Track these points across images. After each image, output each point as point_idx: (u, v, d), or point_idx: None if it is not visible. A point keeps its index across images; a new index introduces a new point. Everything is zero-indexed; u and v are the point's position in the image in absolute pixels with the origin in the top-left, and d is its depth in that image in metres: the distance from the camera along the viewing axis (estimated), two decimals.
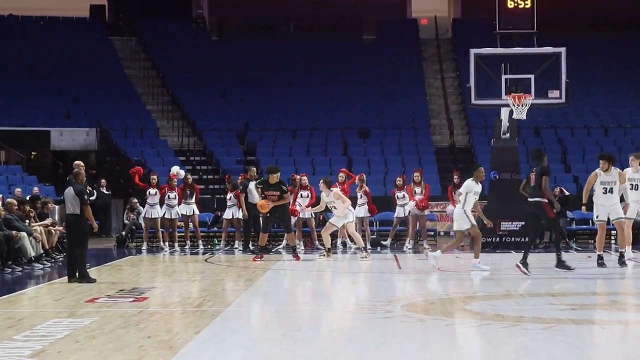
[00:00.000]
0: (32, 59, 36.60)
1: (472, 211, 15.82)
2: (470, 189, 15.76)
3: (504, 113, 21.40)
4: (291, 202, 20.44)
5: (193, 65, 37.03)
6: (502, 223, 20.86)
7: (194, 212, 22.35)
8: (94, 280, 14.24)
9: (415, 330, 9.55)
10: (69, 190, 14.47)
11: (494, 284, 14.04)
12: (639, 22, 39.56)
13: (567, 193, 22.77)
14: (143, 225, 22.77)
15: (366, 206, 21.83)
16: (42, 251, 17.95)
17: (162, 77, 36.48)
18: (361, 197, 21.86)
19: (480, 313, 10.78)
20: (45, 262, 17.84)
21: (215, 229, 24.00)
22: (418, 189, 21.79)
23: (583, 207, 16.70)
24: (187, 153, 31.54)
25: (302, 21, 41.22)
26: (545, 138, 31.55)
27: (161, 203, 22.03)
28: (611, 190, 16.10)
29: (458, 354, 8.22)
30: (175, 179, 22.18)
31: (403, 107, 34.43)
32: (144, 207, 22.66)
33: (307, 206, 20.72)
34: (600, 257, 15.87)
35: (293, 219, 20.67)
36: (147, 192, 22.08)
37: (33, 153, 33.89)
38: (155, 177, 22.32)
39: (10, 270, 16.51)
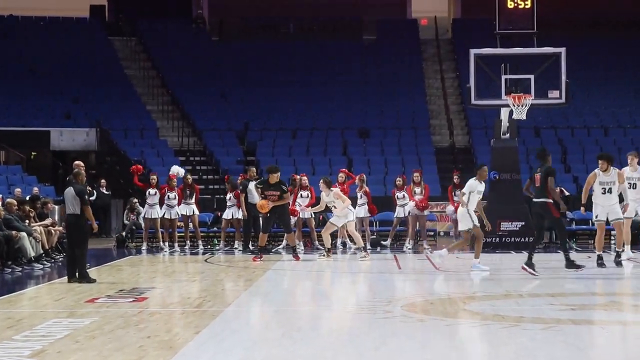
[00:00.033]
0: (32, 59, 36.60)
1: (474, 211, 15.81)
2: (474, 188, 15.77)
3: (504, 113, 21.40)
4: (291, 203, 20.44)
5: (193, 65, 37.03)
6: (502, 223, 20.85)
7: (193, 212, 22.35)
8: (93, 281, 14.24)
9: (415, 330, 9.55)
10: (69, 191, 14.47)
11: (494, 284, 14.04)
12: (639, 22, 39.57)
13: (567, 193, 22.75)
14: (143, 225, 22.77)
15: (366, 206, 21.83)
16: (42, 251, 17.95)
17: (162, 77, 36.48)
18: (361, 197, 21.86)
19: (480, 313, 10.79)
20: (45, 262, 17.84)
21: (215, 229, 23.99)
22: (418, 189, 21.79)
23: (582, 208, 16.71)
24: (187, 153, 31.54)
25: (302, 21, 41.22)
26: (545, 138, 31.55)
27: (161, 203, 22.04)
28: (610, 191, 16.13)
29: (458, 354, 8.22)
30: (175, 179, 22.18)
31: (403, 107, 34.43)
32: (143, 207, 22.66)
33: (307, 206, 20.73)
34: (599, 257, 15.87)
35: (293, 219, 20.67)
36: (147, 192, 22.09)
37: (33, 153, 33.90)
38: (154, 177, 22.32)
39: (10, 270, 16.51)
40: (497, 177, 21.40)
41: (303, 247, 21.42)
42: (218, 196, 26.47)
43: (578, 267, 15.04)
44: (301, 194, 21.37)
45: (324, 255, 18.84)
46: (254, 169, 22.96)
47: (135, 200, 24.37)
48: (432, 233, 24.11)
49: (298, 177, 21.89)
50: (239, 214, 21.68)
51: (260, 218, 19.53)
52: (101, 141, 32.00)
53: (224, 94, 35.60)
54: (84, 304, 11.65)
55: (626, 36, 38.65)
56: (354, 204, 20.23)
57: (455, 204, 22.16)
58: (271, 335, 9.46)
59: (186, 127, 33.19)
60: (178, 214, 22.15)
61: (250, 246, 20.94)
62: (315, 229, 21.73)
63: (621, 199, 16.68)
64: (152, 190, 22.04)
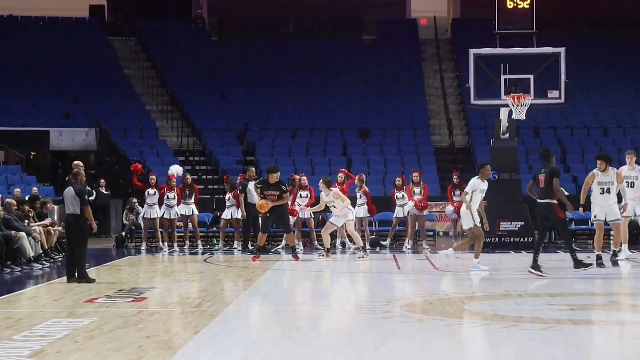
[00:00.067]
0: (32, 59, 36.61)
1: (477, 211, 15.80)
2: (477, 187, 15.77)
3: (504, 113, 21.40)
4: (290, 203, 20.45)
5: (193, 65, 37.03)
6: (501, 223, 20.86)
7: (193, 212, 22.35)
8: (93, 281, 14.24)
9: (414, 330, 9.55)
10: (69, 191, 14.47)
11: (494, 285, 14.04)
12: (638, 22, 39.57)
13: (566, 193, 22.74)
14: (142, 225, 22.77)
15: (366, 206, 21.83)
16: (41, 251, 17.95)
17: (161, 78, 36.48)
18: (361, 197, 21.86)
19: (479, 313, 10.79)
20: (45, 262, 17.84)
21: (214, 229, 23.98)
22: (417, 190, 21.79)
23: (580, 208, 16.72)
24: (186, 153, 31.54)
25: (302, 21, 41.22)
26: (544, 138, 31.56)
27: (160, 203, 22.04)
28: (609, 191, 16.15)
29: (457, 355, 8.22)
30: (174, 179, 22.18)
31: (403, 108, 34.44)
32: (143, 207, 22.65)
33: (307, 206, 20.73)
34: (599, 258, 15.87)
35: (292, 220, 20.67)
36: (146, 192, 22.09)
37: (32, 153, 33.90)
38: (154, 177, 22.33)
39: (9, 270, 16.51)
40: (497, 178, 21.40)
41: (302, 248, 21.42)
42: (218, 196, 26.47)
43: (587, 265, 15.02)
44: (300, 194, 21.37)
45: (323, 256, 18.84)
46: (254, 169, 22.94)
47: (135, 200, 24.37)
48: (431, 233, 24.11)
49: (298, 177, 21.89)
50: (239, 214, 21.67)
51: (260, 218, 19.52)
52: (101, 141, 32.00)
53: (223, 94, 35.60)
54: (83, 304, 11.65)
55: (626, 36, 38.66)
56: (354, 204, 20.23)
57: (455, 204, 22.19)
58: (271, 335, 9.46)
59: (186, 127, 33.19)
60: (177, 214, 22.15)
61: (249, 246, 20.94)
62: (315, 229, 21.73)
63: (620, 198, 16.70)
64: (151, 191, 22.04)
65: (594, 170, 16.39)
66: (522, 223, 21.14)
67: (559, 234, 21.16)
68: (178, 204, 22.11)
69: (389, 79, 36.53)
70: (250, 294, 13.17)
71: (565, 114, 32.32)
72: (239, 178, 22.26)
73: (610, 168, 16.30)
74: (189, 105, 34.41)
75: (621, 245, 16.81)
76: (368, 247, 20.82)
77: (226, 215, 22.17)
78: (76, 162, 17.44)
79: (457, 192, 22.25)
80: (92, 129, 32.31)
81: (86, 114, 33.23)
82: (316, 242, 21.49)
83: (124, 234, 24.07)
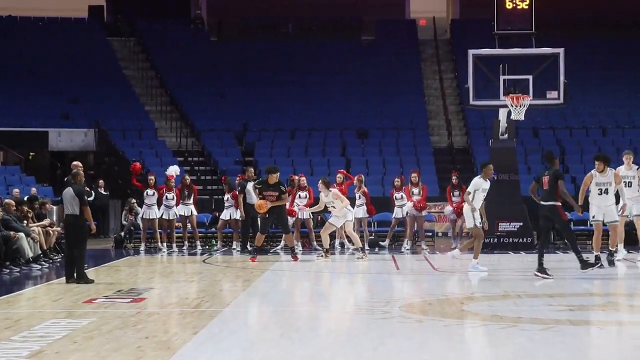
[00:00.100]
0: (31, 59, 36.60)
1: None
2: (479, 186, 15.78)
3: (502, 114, 21.41)
4: (289, 203, 20.45)
5: (192, 65, 37.01)
6: (500, 224, 20.85)
7: (192, 212, 22.35)
8: (91, 281, 14.24)
9: (413, 330, 9.55)
10: (68, 191, 14.47)
11: (492, 285, 14.04)
12: (637, 22, 39.58)
13: None
14: (141, 225, 22.77)
15: (365, 207, 21.84)
16: (40, 252, 17.94)
17: (160, 78, 36.46)
18: (359, 197, 21.87)
19: (478, 314, 10.79)
20: (43, 262, 17.84)
21: (213, 229, 23.97)
22: (416, 190, 21.79)
23: (579, 209, 16.72)
24: (185, 153, 31.52)
25: (301, 21, 41.22)
26: (543, 139, 31.57)
27: (159, 204, 22.04)
28: (606, 191, 16.18)
29: (456, 355, 8.22)
30: (173, 179, 22.19)
31: (401, 108, 34.43)
32: (141, 207, 22.64)
33: (305, 206, 20.73)
34: (597, 258, 15.87)
35: (291, 220, 20.68)
36: (145, 192, 22.09)
37: (31, 153, 33.88)
38: (152, 177, 22.33)
39: (8, 270, 16.50)
40: (496, 178, 21.40)
41: (301, 248, 21.42)
42: (216, 197, 26.47)
43: (593, 265, 14.99)
44: (299, 195, 21.37)
45: (322, 256, 18.84)
46: (252, 169, 22.97)
47: (134, 200, 24.36)
48: (430, 234, 24.11)
49: (296, 177, 21.89)
50: (237, 215, 21.69)
51: (259, 218, 19.53)
52: (99, 141, 31.99)
53: (222, 94, 35.59)
54: (82, 304, 11.65)
55: (624, 36, 38.67)
56: (353, 205, 20.24)
57: (454, 205, 22.20)
58: (269, 335, 9.46)
59: (185, 128, 33.18)
60: (176, 215, 22.15)
61: (248, 247, 20.93)
62: (314, 230, 21.74)
63: (618, 199, 16.72)
64: (150, 191, 22.04)
65: (592, 171, 16.43)
66: (521, 223, 21.14)
67: (559, 234, 21.18)
68: (177, 205, 22.12)
69: (387, 79, 36.52)
70: (248, 294, 13.17)
71: (564, 114, 32.32)
72: (238, 178, 22.27)
73: (608, 169, 16.35)
74: (187, 105, 34.40)
75: (617, 246, 16.83)
76: (367, 247, 20.84)
77: (224, 215, 22.18)
78: (75, 163, 17.45)
79: (456, 193, 22.26)
80: (91, 129, 32.30)
81: (85, 114, 33.21)
82: (315, 243, 21.50)
83: (122, 234, 24.07)
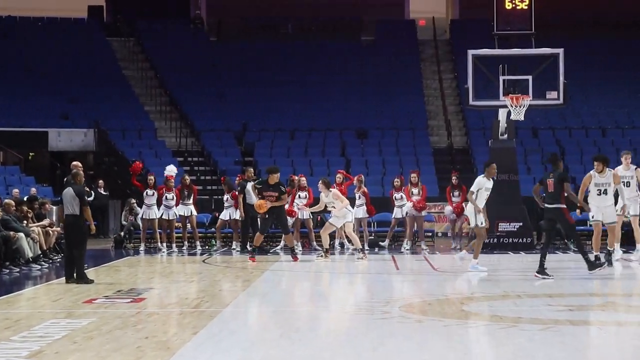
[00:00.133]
0: (30, 59, 36.59)
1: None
2: (482, 185, 15.79)
3: (502, 114, 21.41)
4: (289, 203, 20.45)
5: (191, 65, 37.01)
6: (499, 224, 20.85)
7: (191, 213, 22.35)
8: (91, 281, 14.23)
9: (412, 331, 9.55)
10: (68, 191, 14.46)
11: (492, 285, 14.05)
12: (637, 22, 39.58)
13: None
14: (141, 226, 22.77)
15: (364, 207, 21.84)
16: (39, 252, 17.94)
17: (160, 78, 36.47)
18: (359, 197, 21.87)
19: (478, 314, 10.79)
20: (43, 262, 17.84)
21: (213, 229, 23.97)
22: (415, 190, 21.79)
23: (577, 210, 16.73)
24: (185, 154, 31.52)
25: (301, 21, 41.22)
26: (542, 139, 31.58)
27: (159, 204, 22.04)
28: (605, 192, 16.21)
29: (456, 355, 8.22)
30: (173, 180, 22.19)
31: (401, 108, 34.43)
32: (141, 207, 22.64)
33: (305, 205, 20.74)
34: (597, 258, 15.87)
35: (291, 220, 20.68)
36: (145, 192, 22.08)
37: (31, 154, 33.87)
38: (152, 177, 22.33)
39: (7, 271, 16.50)
40: (495, 178, 21.39)
41: (301, 248, 21.42)
42: (216, 197, 26.47)
43: (601, 265, 14.97)
44: (299, 195, 21.38)
45: (322, 256, 18.84)
46: (252, 169, 22.97)
47: (133, 200, 24.35)
48: (429, 234, 24.11)
49: (296, 177, 21.90)
50: (237, 215, 21.70)
51: (259, 219, 19.53)
52: (99, 142, 31.99)
53: (222, 94, 35.58)
54: (81, 304, 11.65)
55: (624, 36, 38.67)
56: (352, 205, 20.24)
57: (454, 205, 22.21)
58: (269, 336, 9.47)
59: (184, 128, 33.18)
60: (176, 215, 22.16)
61: (248, 247, 20.94)
62: (313, 230, 21.74)
63: (616, 199, 16.75)
64: (149, 191, 22.04)
65: (591, 172, 16.46)
66: (521, 224, 21.14)
67: (559, 235, 21.18)
68: (176, 205, 22.12)
69: (387, 79, 36.52)
70: (248, 294, 13.17)
71: (564, 114, 32.33)
72: (237, 179, 22.27)
73: (607, 169, 16.37)
74: (187, 105, 34.40)
75: (615, 245, 16.86)
76: (366, 247, 20.85)
77: (224, 215, 22.19)
78: (74, 163, 17.44)
79: (456, 193, 22.27)
80: (91, 130, 32.30)
81: (84, 115, 33.21)
82: (315, 243, 21.50)
83: (122, 234, 24.06)
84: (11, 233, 16.93)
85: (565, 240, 21.58)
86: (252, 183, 20.74)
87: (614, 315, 10.87)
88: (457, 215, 22.33)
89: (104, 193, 27.62)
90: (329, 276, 16.72)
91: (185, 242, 22.60)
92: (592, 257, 15.66)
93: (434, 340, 8.87)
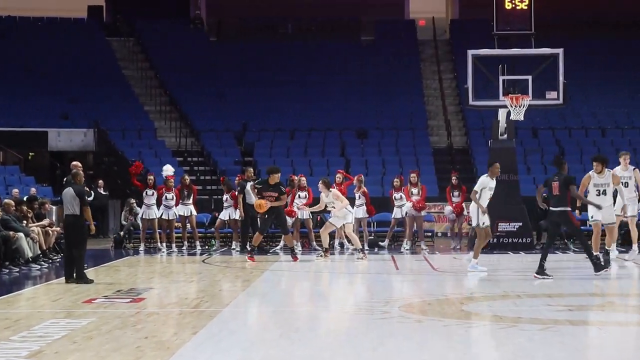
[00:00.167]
0: (30, 59, 36.58)
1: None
2: (485, 185, 15.79)
3: (502, 114, 21.41)
4: (289, 203, 20.45)
5: (191, 65, 37.01)
6: (499, 224, 20.85)
7: (191, 212, 22.35)
8: (91, 281, 14.23)
9: (412, 331, 9.55)
10: (68, 191, 14.46)
11: (492, 285, 14.05)
12: (637, 22, 39.58)
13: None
14: (140, 226, 22.77)
15: (364, 207, 21.84)
16: (39, 252, 17.94)
17: (159, 78, 36.46)
18: (359, 197, 21.87)
19: (477, 314, 10.80)
20: (43, 262, 17.84)
21: (212, 229, 23.97)
22: (415, 190, 21.79)
23: (576, 210, 16.74)
24: (184, 154, 31.51)
25: (301, 21, 41.21)
26: (542, 139, 31.57)
27: (158, 204, 22.05)
28: (604, 192, 16.22)
29: (455, 355, 8.22)
30: (172, 179, 22.20)
31: (401, 108, 34.43)
32: (141, 207, 22.64)
33: (305, 205, 20.74)
34: (596, 258, 15.86)
35: (290, 220, 20.68)
36: (144, 192, 22.08)
37: (30, 154, 33.86)
38: (152, 177, 22.33)
39: (7, 270, 16.50)
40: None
41: (301, 248, 21.42)
42: (216, 197, 26.46)
43: (606, 267, 14.95)
44: (299, 195, 21.38)
45: (321, 256, 18.85)
46: (252, 169, 22.97)
47: (133, 200, 24.35)
48: (429, 234, 24.11)
49: (296, 177, 21.90)
50: (236, 215, 21.70)
51: (259, 218, 19.52)
52: (99, 141, 31.99)
53: (221, 94, 35.58)
54: (81, 304, 11.65)
55: (624, 36, 38.66)
56: (352, 205, 20.24)
57: (454, 205, 22.21)
58: (269, 335, 9.47)
59: (184, 128, 33.17)
60: (176, 215, 22.16)
61: (247, 247, 20.94)
62: (313, 230, 21.74)
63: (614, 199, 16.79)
64: (149, 191, 22.04)
65: (590, 172, 16.46)
66: (520, 224, 21.13)
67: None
68: (176, 205, 22.12)
69: (387, 79, 36.51)
70: (248, 294, 13.18)
71: (563, 114, 32.32)
72: (237, 179, 22.27)
73: (606, 169, 16.38)
74: (187, 105, 34.40)
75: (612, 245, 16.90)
76: (366, 247, 20.85)
77: (223, 215, 22.20)
78: (74, 163, 17.44)
79: (456, 193, 22.28)
80: (90, 129, 32.30)
81: (84, 114, 33.20)
82: (314, 243, 21.50)
83: (122, 234, 24.06)
84: (11, 233, 16.93)
85: (565, 241, 21.59)
86: (251, 183, 20.73)
87: (613, 315, 10.87)
88: (456, 215, 22.35)
89: (104, 193, 27.62)
90: (329, 276, 16.72)
91: (185, 242, 22.60)
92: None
93: (434, 340, 8.87)
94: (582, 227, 22.73)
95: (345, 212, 18.80)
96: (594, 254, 15.96)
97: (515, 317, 10.31)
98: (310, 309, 11.73)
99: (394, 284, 15.08)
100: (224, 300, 12.38)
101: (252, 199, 20.32)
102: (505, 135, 21.84)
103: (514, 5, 21.55)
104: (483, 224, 15.73)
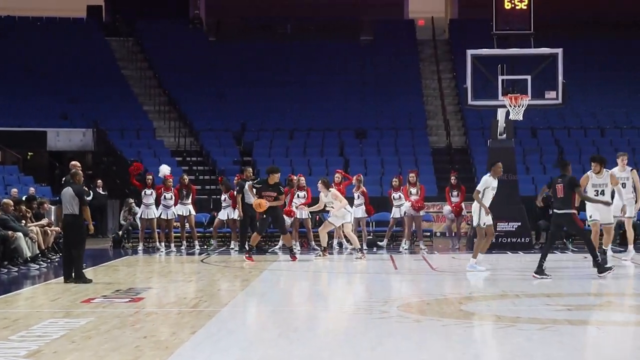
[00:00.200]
0: (29, 59, 36.58)
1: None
2: (488, 185, 15.79)
3: (501, 114, 21.42)
4: (287, 203, 20.45)
5: (190, 65, 37.01)
6: (498, 224, 20.84)
7: (190, 212, 22.35)
8: (89, 281, 14.23)
9: (411, 330, 9.55)
10: (68, 191, 14.46)
11: (490, 285, 14.05)
12: (637, 22, 39.58)
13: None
14: (139, 225, 22.77)
15: (363, 207, 21.83)
16: (38, 251, 17.94)
17: (158, 78, 36.46)
18: (358, 197, 21.87)
19: (476, 313, 10.80)
20: (41, 262, 17.83)
21: (211, 229, 23.97)
22: (413, 190, 21.79)
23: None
24: (183, 154, 31.52)
25: (300, 21, 41.20)
26: (541, 139, 31.58)
27: (157, 203, 22.05)
28: (603, 193, 16.24)
29: (454, 355, 8.22)
30: (171, 179, 22.20)
31: (400, 108, 34.43)
32: (140, 207, 22.64)
33: (304, 205, 20.74)
34: (603, 260, 15.86)
35: (289, 220, 20.69)
36: (143, 192, 22.08)
37: (29, 153, 33.87)
38: (151, 177, 22.33)
39: (6, 270, 16.50)
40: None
41: (299, 248, 21.42)
42: (214, 197, 26.44)
43: (610, 269, 14.92)
44: (298, 195, 21.38)
45: (320, 255, 18.85)
46: (251, 169, 22.97)
47: (132, 200, 24.35)
48: (428, 233, 24.12)
49: (295, 177, 21.90)
50: (235, 215, 21.70)
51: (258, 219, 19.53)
52: (98, 141, 31.99)
53: (221, 94, 35.58)
54: (80, 304, 11.65)
55: (624, 36, 38.66)
56: (351, 204, 20.24)
57: (453, 205, 22.21)
58: (267, 335, 9.47)
59: (183, 128, 33.17)
60: (174, 214, 22.15)
61: (246, 246, 20.93)
62: (312, 230, 21.74)
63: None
64: (148, 191, 22.04)
65: (588, 172, 16.49)
66: (519, 223, 21.14)
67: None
68: (175, 204, 22.12)
69: (386, 79, 36.52)
70: (247, 294, 13.18)
71: (563, 114, 32.33)
72: (236, 178, 22.28)
73: (604, 170, 16.39)
74: (186, 105, 34.40)
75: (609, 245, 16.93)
76: (365, 247, 20.85)
77: (222, 215, 22.20)
78: (73, 162, 17.44)
79: (455, 193, 22.28)
80: (89, 129, 32.30)
81: (83, 114, 33.21)
82: (313, 243, 21.50)
83: (120, 234, 24.06)
84: (9, 232, 16.93)
85: (564, 241, 21.59)
86: (249, 183, 20.73)
87: (612, 314, 10.87)
88: (455, 215, 22.35)
89: (103, 193, 27.62)
90: (328, 276, 16.72)
91: (184, 242, 22.60)
92: (590, 256, 15.67)
93: (433, 340, 8.87)
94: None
95: (344, 212, 18.80)
96: (599, 256, 15.97)
97: (514, 317, 10.32)
98: (308, 309, 11.73)
99: (393, 284, 15.08)
100: (223, 300, 12.38)
101: (251, 198, 20.32)
102: (505, 135, 21.84)
103: (513, 5, 21.55)
104: (484, 223, 15.73)
